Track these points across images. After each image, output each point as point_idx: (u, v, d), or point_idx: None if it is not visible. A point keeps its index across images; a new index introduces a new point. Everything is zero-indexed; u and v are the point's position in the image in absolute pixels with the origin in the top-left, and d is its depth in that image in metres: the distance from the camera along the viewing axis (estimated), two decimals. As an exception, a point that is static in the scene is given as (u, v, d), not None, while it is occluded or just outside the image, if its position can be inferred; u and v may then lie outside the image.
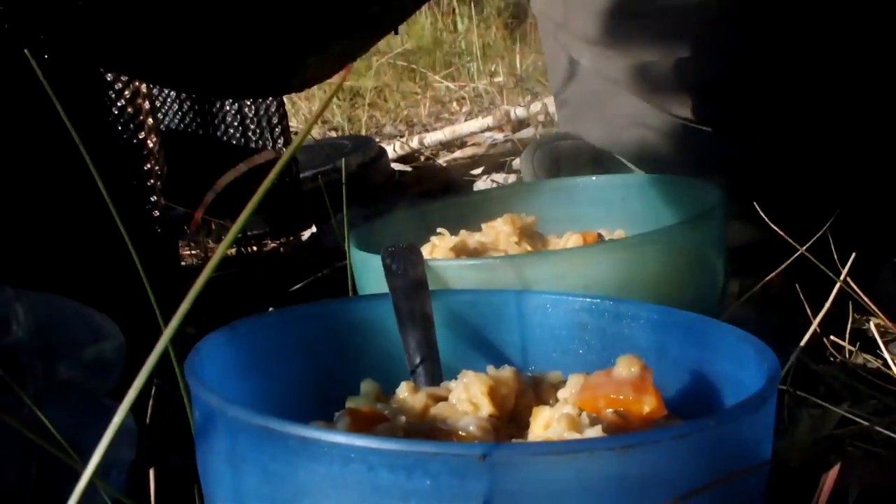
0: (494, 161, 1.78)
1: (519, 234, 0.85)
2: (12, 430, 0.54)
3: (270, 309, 0.66)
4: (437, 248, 0.82)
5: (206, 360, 0.53)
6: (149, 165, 0.91)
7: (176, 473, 0.64)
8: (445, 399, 0.54)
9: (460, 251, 0.82)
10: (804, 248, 0.78)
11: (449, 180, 1.69)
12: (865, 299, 0.77)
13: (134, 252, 0.53)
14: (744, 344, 0.53)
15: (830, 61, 1.01)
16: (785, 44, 1.01)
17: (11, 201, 0.74)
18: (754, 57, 1.02)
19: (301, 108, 2.49)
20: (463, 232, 0.86)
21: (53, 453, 0.54)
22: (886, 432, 0.66)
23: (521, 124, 2.03)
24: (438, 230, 0.85)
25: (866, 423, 0.67)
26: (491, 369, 0.55)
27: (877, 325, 0.81)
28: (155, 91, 1.17)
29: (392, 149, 1.91)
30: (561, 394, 0.55)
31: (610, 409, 0.50)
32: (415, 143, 1.99)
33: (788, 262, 0.79)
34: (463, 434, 0.49)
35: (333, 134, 2.26)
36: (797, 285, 0.83)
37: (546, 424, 0.49)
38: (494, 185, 1.52)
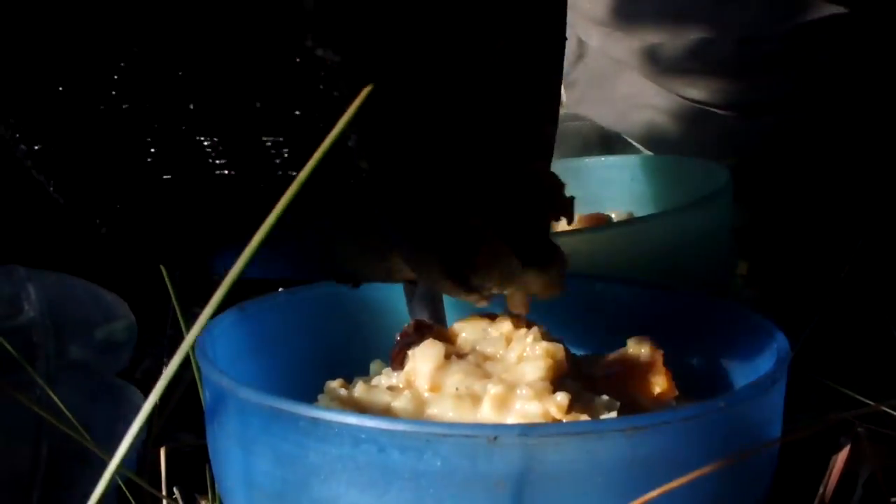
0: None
1: (527, 215, 0.85)
2: (24, 409, 0.54)
3: (279, 289, 0.66)
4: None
5: (217, 340, 0.53)
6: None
7: (187, 453, 0.65)
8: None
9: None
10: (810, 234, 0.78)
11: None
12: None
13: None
14: (753, 324, 0.53)
15: (843, 41, 1.00)
16: (795, 25, 1.00)
17: (21, 182, 0.74)
18: (763, 38, 1.01)
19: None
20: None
21: (64, 432, 0.54)
22: (896, 414, 0.66)
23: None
24: None
25: (877, 405, 0.67)
26: None
27: (887, 306, 0.80)
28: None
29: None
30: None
31: (620, 390, 0.50)
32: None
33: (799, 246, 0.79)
34: None
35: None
36: (807, 266, 0.83)
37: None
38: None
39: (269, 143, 0.37)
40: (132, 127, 0.39)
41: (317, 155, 0.32)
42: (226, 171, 0.39)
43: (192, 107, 0.37)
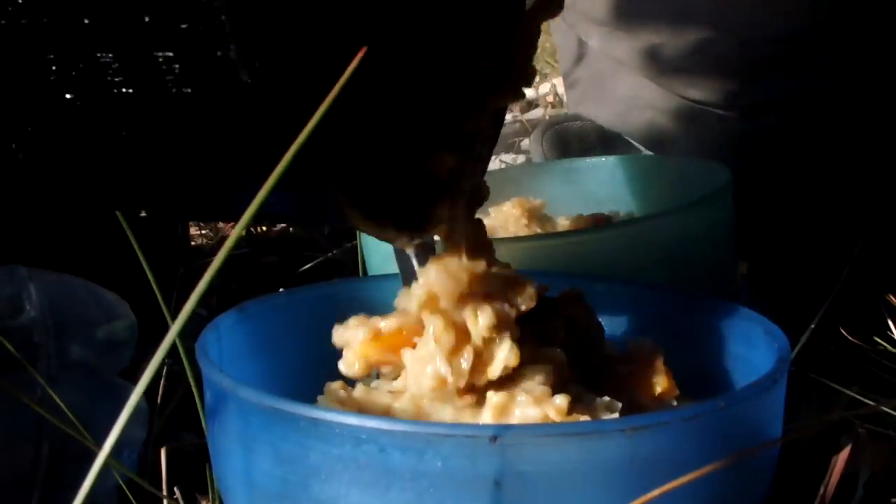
0: (503, 142, 1.77)
1: (528, 216, 0.85)
2: (25, 409, 0.54)
3: (280, 290, 0.66)
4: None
5: (217, 341, 0.53)
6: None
7: (187, 453, 0.65)
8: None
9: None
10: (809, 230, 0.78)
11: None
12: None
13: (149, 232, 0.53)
14: (754, 324, 0.53)
15: (844, 41, 1.00)
16: (795, 25, 1.00)
17: (22, 183, 0.75)
18: (764, 38, 1.01)
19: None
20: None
21: (65, 432, 0.54)
22: (897, 414, 0.66)
23: (529, 105, 2.02)
24: None
25: (877, 405, 0.67)
26: None
27: (888, 306, 0.80)
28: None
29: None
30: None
31: (622, 391, 0.50)
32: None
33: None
34: None
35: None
36: (807, 266, 0.83)
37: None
38: (504, 165, 1.52)
39: (160, 59, 0.39)
40: (33, 42, 0.40)
41: (318, 113, 0.33)
42: (124, 90, 0.40)
43: (87, 22, 0.39)
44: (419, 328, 0.52)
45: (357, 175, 0.45)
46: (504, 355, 0.48)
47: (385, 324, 0.53)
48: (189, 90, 0.39)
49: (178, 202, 0.49)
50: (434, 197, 0.49)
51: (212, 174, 0.44)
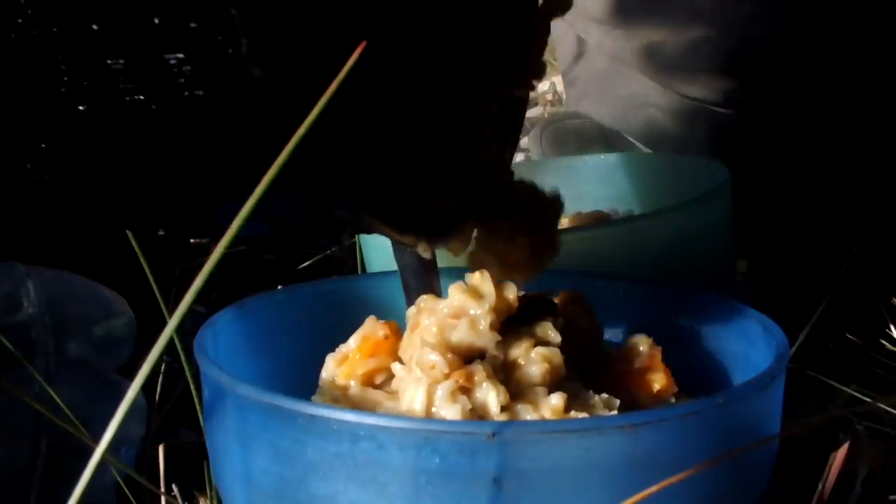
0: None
1: (527, 213, 0.85)
2: (23, 406, 0.54)
3: (279, 287, 0.66)
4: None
5: (216, 338, 0.53)
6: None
7: (186, 450, 0.65)
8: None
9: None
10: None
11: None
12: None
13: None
14: (752, 321, 0.53)
15: (841, 40, 1.00)
16: (795, 23, 1.00)
17: (19, 180, 0.74)
18: (764, 36, 1.01)
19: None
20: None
21: (64, 429, 0.54)
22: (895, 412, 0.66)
23: (528, 103, 2.02)
24: None
25: (875, 402, 0.67)
26: None
27: (886, 304, 0.80)
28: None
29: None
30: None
31: (620, 388, 0.50)
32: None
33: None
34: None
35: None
36: (806, 264, 0.83)
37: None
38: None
39: (171, 62, 0.38)
40: (44, 52, 0.40)
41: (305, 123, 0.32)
42: (136, 97, 0.40)
43: (96, 27, 0.38)
44: (384, 326, 0.54)
45: (372, 178, 0.44)
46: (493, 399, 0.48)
47: (352, 341, 0.54)
48: (201, 92, 0.39)
49: (187, 216, 0.49)
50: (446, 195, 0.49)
51: (223, 186, 0.44)
